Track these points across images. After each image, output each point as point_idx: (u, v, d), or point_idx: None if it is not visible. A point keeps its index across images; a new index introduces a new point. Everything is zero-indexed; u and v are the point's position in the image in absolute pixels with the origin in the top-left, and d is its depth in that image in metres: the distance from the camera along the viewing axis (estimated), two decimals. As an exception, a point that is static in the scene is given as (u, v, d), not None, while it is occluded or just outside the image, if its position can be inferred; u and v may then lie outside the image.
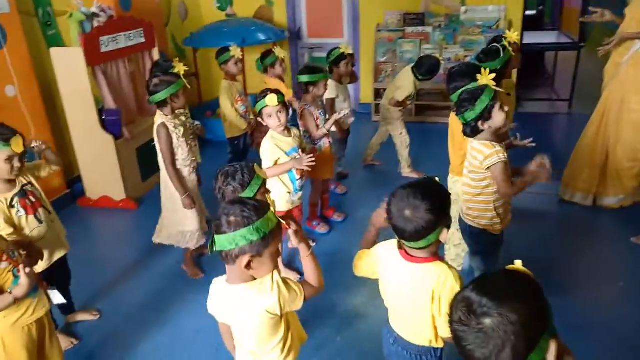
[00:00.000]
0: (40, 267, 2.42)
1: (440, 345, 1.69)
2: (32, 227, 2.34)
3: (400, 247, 1.65)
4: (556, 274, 3.05)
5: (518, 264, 1.07)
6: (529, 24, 7.50)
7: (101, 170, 4.09)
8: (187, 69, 3.26)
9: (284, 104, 2.89)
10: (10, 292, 1.88)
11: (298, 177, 3.00)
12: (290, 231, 1.57)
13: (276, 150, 2.89)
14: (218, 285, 1.59)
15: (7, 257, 1.93)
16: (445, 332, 1.58)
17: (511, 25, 5.73)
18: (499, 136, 2.28)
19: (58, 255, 2.52)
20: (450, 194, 1.59)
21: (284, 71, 4.18)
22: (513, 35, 3.20)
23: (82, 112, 3.92)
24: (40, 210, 2.39)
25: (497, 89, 2.19)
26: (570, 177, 3.85)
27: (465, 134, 2.29)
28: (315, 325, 2.66)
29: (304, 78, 3.33)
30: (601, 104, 3.66)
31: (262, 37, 5.63)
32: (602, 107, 3.65)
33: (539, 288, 1.00)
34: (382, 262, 1.71)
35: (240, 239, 1.42)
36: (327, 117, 3.47)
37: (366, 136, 4.90)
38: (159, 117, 2.95)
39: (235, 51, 3.93)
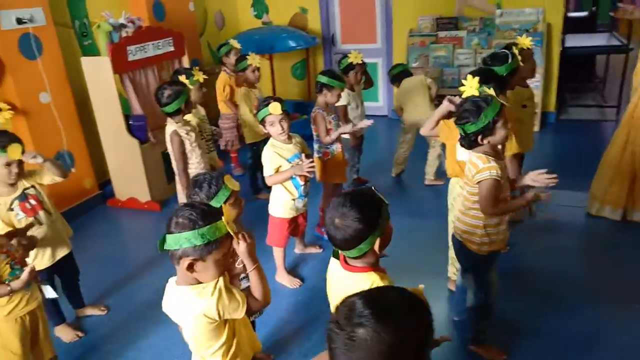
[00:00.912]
0: (44, 264, 2.59)
1: None
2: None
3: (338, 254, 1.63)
4: (580, 290, 2.89)
5: (420, 288, 1.07)
6: (580, 26, 7.16)
7: (128, 173, 4.30)
8: (205, 77, 3.40)
9: (286, 112, 2.92)
10: (8, 284, 2.03)
11: (302, 183, 3.02)
12: (234, 242, 1.58)
13: (277, 157, 2.92)
14: (169, 285, 1.64)
15: (5, 249, 2.08)
16: None
17: (550, 28, 5.48)
18: (497, 150, 2.20)
19: (61, 253, 2.66)
20: (382, 203, 1.54)
21: (257, 79, 4.20)
22: (525, 41, 3.08)
23: (110, 117, 4.15)
24: (41, 212, 2.54)
25: (503, 102, 2.11)
26: (598, 189, 3.63)
27: (461, 144, 2.22)
28: (313, 330, 2.68)
29: (323, 79, 3.33)
30: (629, 110, 3.43)
31: (292, 44, 5.71)
32: (629, 114, 3.41)
33: (427, 318, 1.00)
34: (329, 267, 1.70)
35: (184, 241, 1.46)
36: (340, 123, 3.46)
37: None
38: (171, 125, 3.08)
39: (253, 59, 4.03)
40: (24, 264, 2.12)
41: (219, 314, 1.53)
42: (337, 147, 3.44)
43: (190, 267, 1.50)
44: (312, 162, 2.91)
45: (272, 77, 5.80)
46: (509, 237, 2.42)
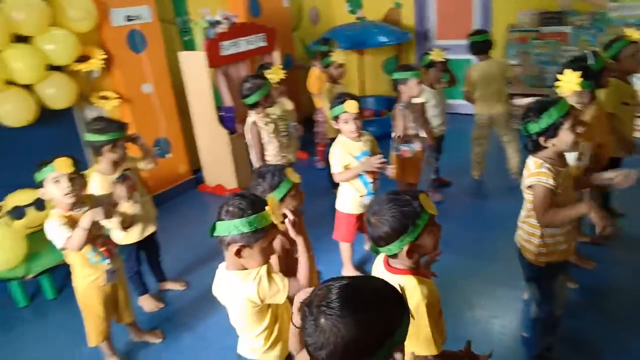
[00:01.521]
0: (133, 239, 2.87)
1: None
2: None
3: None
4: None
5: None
6: None
7: (217, 161, 4.58)
8: (284, 73, 3.53)
9: (360, 111, 2.94)
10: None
11: (370, 180, 3.02)
12: (286, 220, 1.65)
13: (345, 155, 2.94)
14: (219, 270, 1.75)
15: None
16: (422, 351, 1.53)
17: (674, 22, 4.89)
18: (561, 156, 2.05)
19: (149, 230, 2.94)
20: (421, 211, 1.49)
21: (340, 76, 4.15)
22: (634, 34, 2.82)
23: (203, 109, 4.44)
24: (135, 193, 2.82)
25: (573, 105, 1.97)
26: None
27: (524, 146, 2.11)
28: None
29: (394, 75, 3.35)
30: None
31: (383, 39, 5.68)
32: None
33: (395, 314, 1.03)
34: (375, 263, 1.71)
35: (232, 228, 1.57)
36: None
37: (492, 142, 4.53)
38: (251, 116, 3.24)
39: (337, 56, 4.08)
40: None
41: (260, 298, 1.62)
42: (416, 146, 3.38)
43: (238, 253, 1.60)
44: (381, 157, 2.90)
45: (360, 73, 5.81)
46: (600, 252, 2.23)
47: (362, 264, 3.35)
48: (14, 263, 3.08)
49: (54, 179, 2.21)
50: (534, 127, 1.97)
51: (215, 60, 4.29)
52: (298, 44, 6.22)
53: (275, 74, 3.52)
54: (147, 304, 3.08)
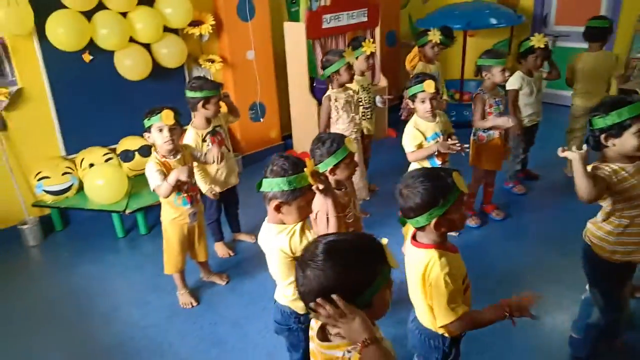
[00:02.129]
0: (218, 188, 3.17)
1: (445, 334, 1.69)
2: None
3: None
4: None
5: (384, 241, 1.24)
6: None
7: (306, 129, 4.78)
8: (375, 47, 3.60)
9: (437, 92, 2.94)
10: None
11: (439, 162, 3.02)
12: (314, 187, 1.78)
13: (418, 134, 2.96)
14: (264, 222, 1.94)
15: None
16: (440, 321, 1.60)
17: None
18: (625, 160, 1.93)
19: (231, 183, 3.23)
20: (453, 188, 1.54)
21: (435, 56, 4.06)
22: None
23: (299, 78, 4.65)
24: (223, 147, 3.12)
25: None
26: None
27: (587, 142, 2.01)
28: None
29: (478, 61, 3.29)
30: None
31: (493, 21, 5.42)
32: None
33: (378, 262, 1.18)
34: (406, 241, 1.78)
35: (274, 185, 1.75)
36: (502, 108, 3.31)
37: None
38: (328, 90, 3.39)
39: (434, 35, 4.03)
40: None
41: (291, 250, 1.78)
42: (494, 132, 3.30)
43: (277, 209, 1.78)
44: (457, 141, 2.89)
45: (463, 54, 5.62)
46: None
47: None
48: (117, 198, 3.58)
49: (159, 127, 2.55)
50: (599, 122, 1.90)
51: (314, 32, 4.45)
52: (405, 21, 6.16)
53: (367, 47, 3.59)
54: (220, 250, 3.41)
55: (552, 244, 3.28)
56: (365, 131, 3.74)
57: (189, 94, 2.96)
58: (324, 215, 2.10)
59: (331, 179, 2.25)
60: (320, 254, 1.16)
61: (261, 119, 4.81)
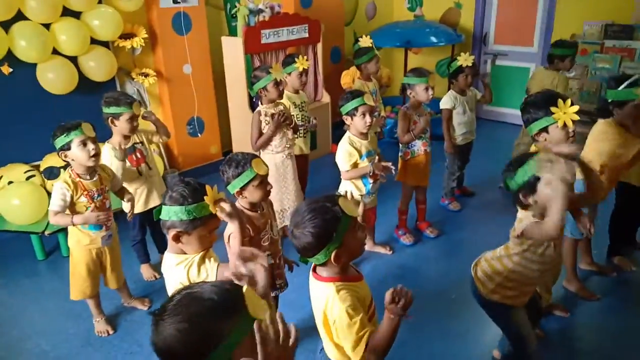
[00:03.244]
0: (137, 209, 3.03)
1: None
2: (132, 177, 2.95)
3: None
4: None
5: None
6: None
7: (246, 144, 4.61)
8: (308, 64, 3.57)
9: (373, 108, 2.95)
10: (72, 216, 2.45)
11: (371, 181, 3.00)
12: (218, 210, 1.68)
13: (354, 152, 2.93)
14: (166, 251, 1.83)
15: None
16: (353, 356, 1.52)
17: None
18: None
19: (152, 204, 3.09)
20: (342, 216, 1.49)
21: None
22: None
23: (237, 93, 4.57)
24: (143, 165, 2.99)
25: None
26: None
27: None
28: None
29: (403, 79, 3.37)
30: None
31: (433, 39, 5.53)
32: None
33: (226, 323, 1.00)
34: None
35: (172, 214, 1.65)
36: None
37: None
38: (259, 106, 3.34)
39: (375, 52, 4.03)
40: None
41: (190, 282, 1.68)
42: (419, 149, 3.34)
43: (176, 238, 1.68)
44: (391, 165, 2.91)
45: (404, 70, 5.68)
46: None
47: (357, 263, 3.32)
48: (36, 219, 3.38)
49: (81, 141, 2.40)
50: (512, 185, 1.91)
51: (252, 47, 4.39)
52: (350, 38, 6.19)
53: (299, 64, 3.55)
54: (146, 272, 3.26)
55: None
56: (298, 151, 3.68)
57: (104, 109, 2.84)
58: (235, 238, 2.02)
59: (244, 201, 2.17)
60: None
61: (199, 134, 4.69)
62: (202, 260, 1.70)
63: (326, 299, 1.53)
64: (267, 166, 2.16)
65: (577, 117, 2.09)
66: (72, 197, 2.43)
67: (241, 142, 4.76)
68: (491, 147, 4.96)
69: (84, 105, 3.75)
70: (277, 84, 3.18)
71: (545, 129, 2.17)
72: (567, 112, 2.09)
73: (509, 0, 5.87)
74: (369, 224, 3.30)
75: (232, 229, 2.04)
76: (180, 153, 4.62)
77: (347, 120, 2.95)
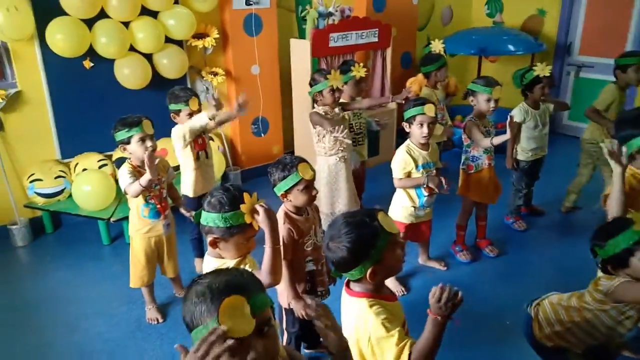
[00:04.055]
0: (190, 194, 3.10)
1: None
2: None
3: None
4: None
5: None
6: None
7: (308, 146, 4.68)
8: (365, 72, 3.52)
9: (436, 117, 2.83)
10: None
11: (426, 194, 2.89)
12: (256, 216, 1.66)
13: (409, 161, 2.85)
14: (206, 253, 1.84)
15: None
16: None
17: None
18: None
19: (205, 190, 3.14)
20: (380, 232, 1.43)
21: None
22: None
23: (302, 95, 4.57)
24: (202, 152, 3.09)
25: None
26: None
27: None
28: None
29: (469, 85, 3.20)
30: None
31: (510, 48, 5.25)
32: None
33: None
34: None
35: (210, 220, 1.65)
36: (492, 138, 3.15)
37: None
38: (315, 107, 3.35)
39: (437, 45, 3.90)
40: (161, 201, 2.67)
41: None
42: (484, 162, 3.16)
43: (214, 244, 1.68)
44: (445, 182, 2.78)
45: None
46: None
47: (409, 275, 3.23)
48: (104, 205, 3.58)
49: (140, 137, 2.52)
50: (602, 254, 1.79)
51: (320, 51, 4.39)
52: (423, 43, 6.03)
53: (356, 72, 3.51)
54: (199, 265, 3.34)
55: (546, 288, 3.05)
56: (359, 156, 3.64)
57: (169, 105, 3.00)
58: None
59: (289, 204, 2.16)
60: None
61: (262, 134, 4.76)
62: (239, 264, 1.70)
63: (357, 315, 1.48)
64: (314, 171, 2.13)
65: None
66: (134, 175, 2.53)
67: (303, 144, 4.78)
68: (569, 163, 4.62)
69: (156, 100, 3.91)
70: (333, 90, 3.15)
71: None
72: None
73: (598, 8, 5.46)
74: (424, 238, 3.18)
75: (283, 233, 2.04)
76: (244, 151, 4.71)
77: (406, 127, 2.87)
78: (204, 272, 1.73)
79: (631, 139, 2.10)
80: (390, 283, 3.07)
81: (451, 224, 3.46)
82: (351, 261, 1.44)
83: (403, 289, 3.05)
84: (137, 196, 2.55)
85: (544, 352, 1.97)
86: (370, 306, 1.47)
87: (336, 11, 4.43)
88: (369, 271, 1.44)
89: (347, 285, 1.56)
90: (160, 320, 2.85)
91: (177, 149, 3.04)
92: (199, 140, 3.08)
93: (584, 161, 3.80)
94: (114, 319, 2.89)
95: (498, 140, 2.99)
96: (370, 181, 4.12)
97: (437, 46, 3.99)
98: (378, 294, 1.52)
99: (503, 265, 3.35)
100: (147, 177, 2.41)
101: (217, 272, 1.14)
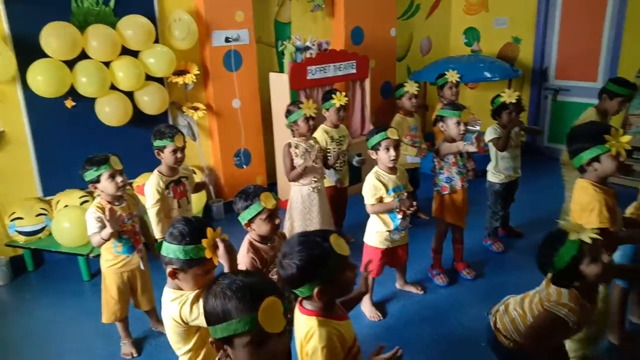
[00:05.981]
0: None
1: None
2: (172, 207, 3.07)
3: None
4: None
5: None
6: None
7: (291, 177, 4.77)
8: (346, 100, 3.60)
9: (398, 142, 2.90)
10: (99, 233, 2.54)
11: (399, 217, 2.93)
12: (218, 252, 1.69)
13: (379, 186, 2.90)
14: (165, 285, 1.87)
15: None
16: None
17: None
18: None
19: None
20: (332, 254, 1.48)
21: (413, 107, 4.09)
22: None
23: (283, 127, 4.66)
24: (183, 199, 3.11)
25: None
26: None
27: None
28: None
29: (439, 111, 3.30)
30: None
31: (487, 74, 5.39)
32: None
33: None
34: None
35: (170, 251, 1.68)
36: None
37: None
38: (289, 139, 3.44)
39: (411, 87, 4.02)
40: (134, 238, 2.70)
41: (182, 320, 1.70)
42: (457, 184, 3.22)
43: (173, 275, 1.71)
44: (414, 203, 2.84)
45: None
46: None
47: (386, 300, 3.23)
48: (83, 241, 3.60)
49: (109, 174, 2.57)
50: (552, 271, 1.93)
51: (298, 83, 4.51)
52: (403, 73, 6.19)
53: (337, 100, 3.60)
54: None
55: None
56: (338, 183, 3.71)
57: (153, 141, 2.98)
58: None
59: (253, 233, 2.20)
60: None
61: (245, 166, 4.83)
62: (196, 299, 1.69)
63: (306, 332, 1.52)
64: (277, 200, 2.18)
65: (629, 147, 2.07)
66: (101, 221, 2.56)
67: (284, 174, 4.84)
68: (547, 185, 4.69)
69: (138, 136, 4.03)
70: (307, 119, 3.23)
71: (596, 159, 2.12)
72: (619, 142, 2.06)
73: (571, 35, 5.63)
74: (401, 262, 3.20)
75: (240, 259, 2.08)
76: (227, 183, 4.78)
77: (373, 154, 2.94)
78: (164, 305, 1.77)
79: (580, 152, 2.18)
80: (366, 308, 3.09)
81: (428, 247, 3.49)
82: (300, 279, 1.49)
83: (379, 314, 3.05)
84: (99, 247, 2.60)
85: (506, 355, 1.99)
86: (319, 326, 1.51)
87: (313, 45, 4.57)
88: (316, 290, 1.48)
89: (300, 302, 1.59)
90: (135, 355, 2.84)
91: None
92: (179, 189, 3.07)
93: (567, 185, 3.84)
94: (89, 355, 2.89)
95: (469, 147, 3.06)
96: (351, 207, 4.16)
97: (453, 76, 4.13)
98: (328, 313, 1.56)
99: (481, 288, 3.36)
100: (108, 230, 2.44)
101: (246, 273, 1.51)
